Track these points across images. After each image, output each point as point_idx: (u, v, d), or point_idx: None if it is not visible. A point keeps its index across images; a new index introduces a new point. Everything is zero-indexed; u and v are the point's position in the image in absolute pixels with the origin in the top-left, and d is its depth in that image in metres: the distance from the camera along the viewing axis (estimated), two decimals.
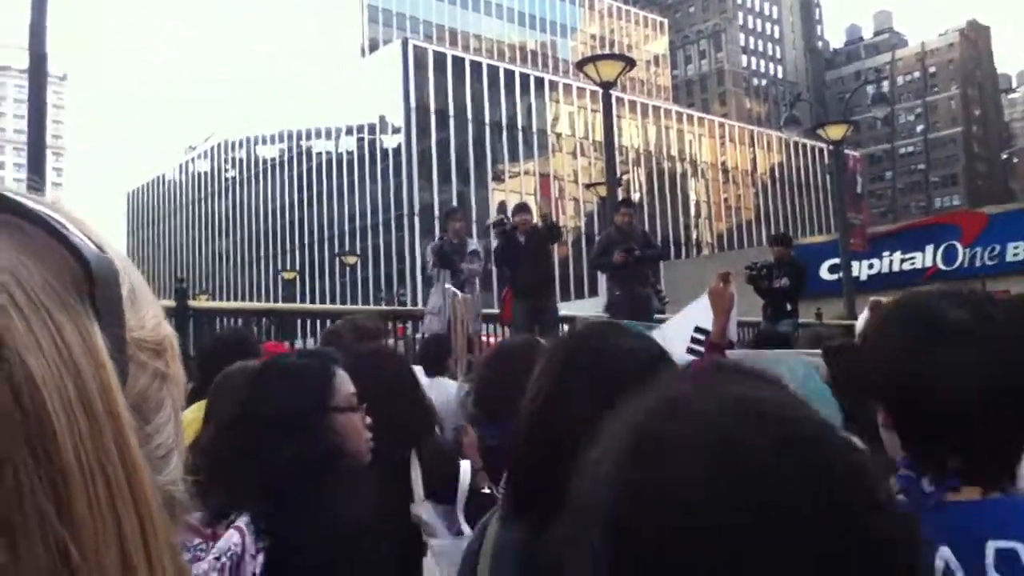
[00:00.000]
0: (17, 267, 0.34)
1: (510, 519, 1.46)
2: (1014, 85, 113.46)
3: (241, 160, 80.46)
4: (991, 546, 1.14)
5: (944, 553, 1.14)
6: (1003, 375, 1.20)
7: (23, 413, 0.31)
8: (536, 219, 9.48)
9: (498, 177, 64.84)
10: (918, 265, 23.73)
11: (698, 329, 2.89)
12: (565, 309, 16.67)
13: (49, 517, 0.31)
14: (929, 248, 23.66)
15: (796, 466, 0.62)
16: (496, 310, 10.18)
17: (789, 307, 9.63)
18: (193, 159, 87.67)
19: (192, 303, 8.43)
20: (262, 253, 74.74)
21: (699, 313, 2.95)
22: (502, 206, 62.87)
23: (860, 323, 4.53)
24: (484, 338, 9.60)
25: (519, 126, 66.87)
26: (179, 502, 0.41)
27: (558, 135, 68.76)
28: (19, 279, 0.33)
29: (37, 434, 0.31)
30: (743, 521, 0.59)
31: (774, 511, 0.60)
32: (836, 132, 16.95)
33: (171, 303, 7.15)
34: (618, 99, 68.96)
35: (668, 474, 0.63)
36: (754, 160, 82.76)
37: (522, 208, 9.57)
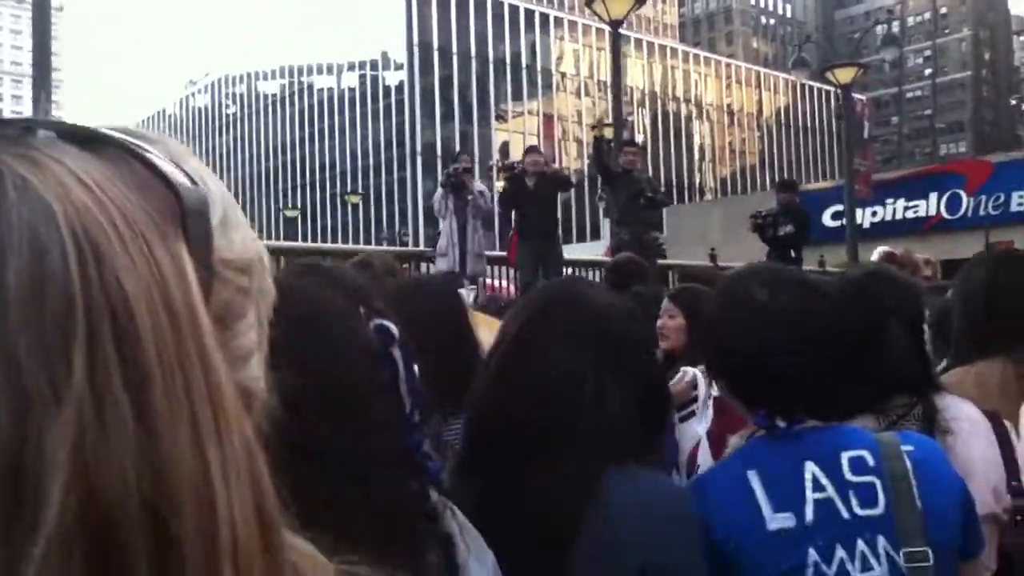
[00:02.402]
0: (123, 200, 0.41)
1: (465, 469, 1.45)
2: None
3: (242, 95, 79.66)
4: (845, 455, 1.46)
5: (810, 467, 1.45)
6: (798, 342, 1.50)
7: (115, 323, 0.38)
8: (545, 160, 9.47)
9: (501, 117, 64.29)
10: (921, 213, 23.63)
11: None
12: (567, 252, 16.64)
13: (124, 404, 0.37)
14: (933, 196, 23.52)
15: None
16: (500, 252, 10.23)
17: (793, 255, 9.64)
18: (193, 94, 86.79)
19: None
20: (263, 191, 74.42)
21: None
22: (504, 147, 62.48)
23: None
24: (488, 281, 9.65)
25: (523, 64, 66.03)
26: (255, 394, 0.51)
27: (562, 74, 67.94)
28: (123, 211, 0.40)
29: (126, 339, 0.39)
30: None
31: None
32: (845, 75, 16.70)
33: None
34: (624, 37, 67.93)
35: None
36: (760, 103, 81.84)
37: (532, 150, 9.59)
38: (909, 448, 1.48)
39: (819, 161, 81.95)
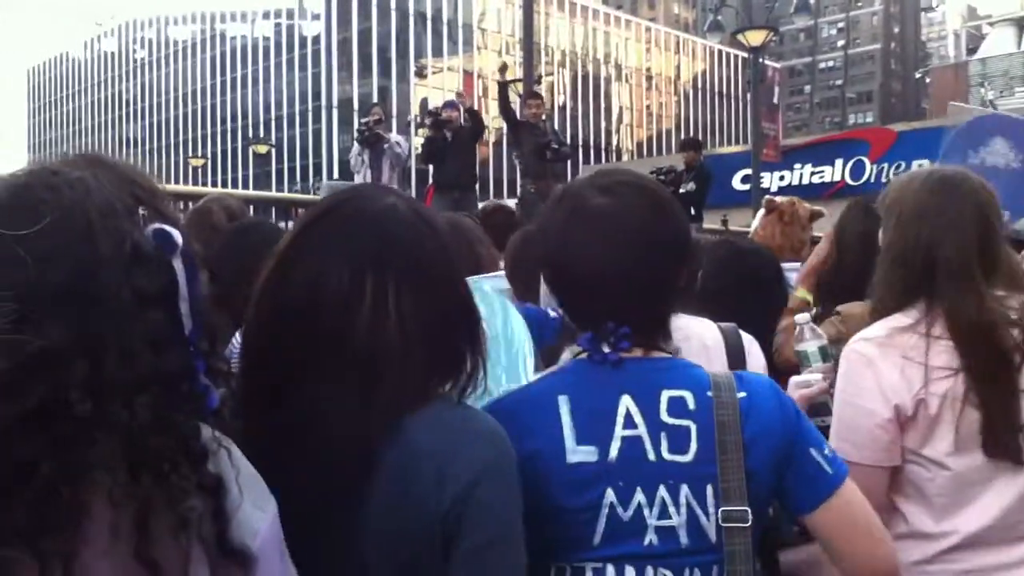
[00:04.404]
0: None
1: (244, 402, 1.24)
2: (934, 3, 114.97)
3: (151, 41, 76.69)
4: (665, 394, 1.37)
5: (625, 400, 1.36)
6: (631, 255, 1.39)
7: None
8: (462, 114, 9.47)
9: (421, 72, 63.32)
10: (827, 179, 24.23)
11: None
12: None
13: None
14: (839, 162, 24.14)
15: None
16: None
17: (693, 212, 9.76)
18: (100, 37, 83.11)
19: None
20: (171, 140, 72.07)
21: None
22: (424, 103, 61.67)
23: (755, 223, 4.61)
24: None
25: (444, 19, 65.04)
26: None
27: (483, 31, 67.20)
28: None
29: None
30: None
31: None
32: (756, 38, 16.91)
33: None
34: None
35: None
36: (678, 67, 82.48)
37: (450, 105, 9.59)
38: (742, 395, 1.38)
39: (733, 126, 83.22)
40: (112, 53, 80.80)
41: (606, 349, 1.38)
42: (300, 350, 1.19)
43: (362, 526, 1.14)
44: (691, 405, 1.36)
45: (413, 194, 14.01)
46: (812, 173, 24.56)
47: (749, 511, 1.33)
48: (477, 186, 10.23)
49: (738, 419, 1.35)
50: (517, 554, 1.18)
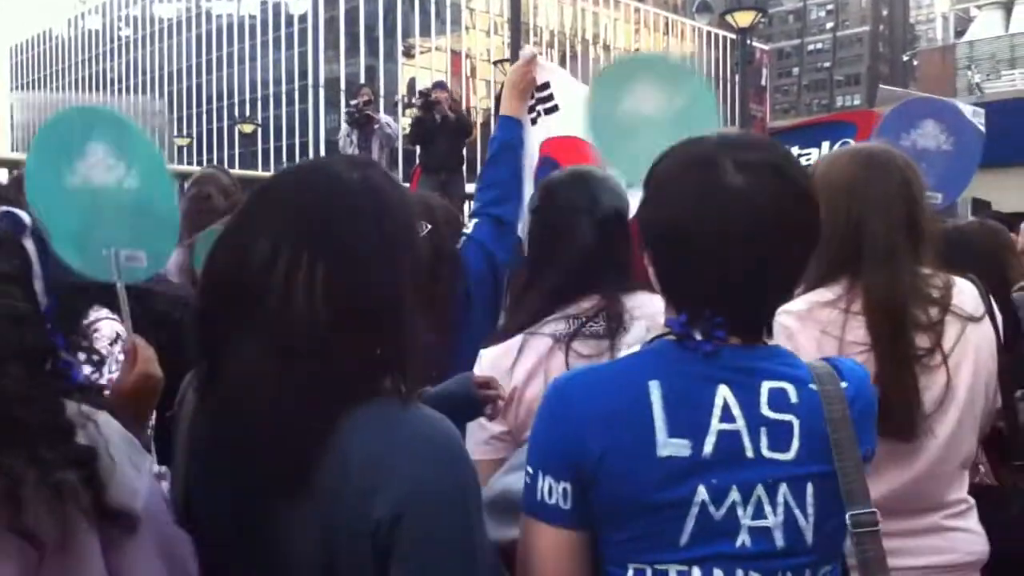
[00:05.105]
0: None
1: (198, 391, 1.23)
2: None
3: (136, 18, 75.99)
4: (765, 386, 1.26)
5: (722, 391, 1.25)
6: (762, 245, 1.25)
7: None
8: (448, 105, 9.46)
9: (408, 52, 63.01)
10: (813, 160, 24.29)
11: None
12: (471, 189, 16.52)
13: None
14: (825, 145, 23.74)
15: None
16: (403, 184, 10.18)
17: None
18: (84, 14, 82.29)
19: None
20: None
21: None
22: (412, 83, 61.40)
23: None
24: None
25: None
26: None
27: (472, 11, 66.85)
28: None
29: None
30: None
31: None
32: (744, 19, 16.99)
33: None
34: None
35: None
36: (667, 49, 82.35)
37: (440, 85, 9.57)
38: (844, 385, 1.29)
39: (721, 108, 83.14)
40: (96, 31, 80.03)
41: (698, 336, 1.26)
42: (228, 325, 1.14)
43: (290, 535, 1.10)
44: (793, 399, 1.26)
45: (400, 175, 14.01)
46: (799, 155, 24.37)
47: (878, 512, 1.25)
48: (464, 168, 10.22)
49: (847, 414, 1.26)
50: (464, 570, 1.13)
